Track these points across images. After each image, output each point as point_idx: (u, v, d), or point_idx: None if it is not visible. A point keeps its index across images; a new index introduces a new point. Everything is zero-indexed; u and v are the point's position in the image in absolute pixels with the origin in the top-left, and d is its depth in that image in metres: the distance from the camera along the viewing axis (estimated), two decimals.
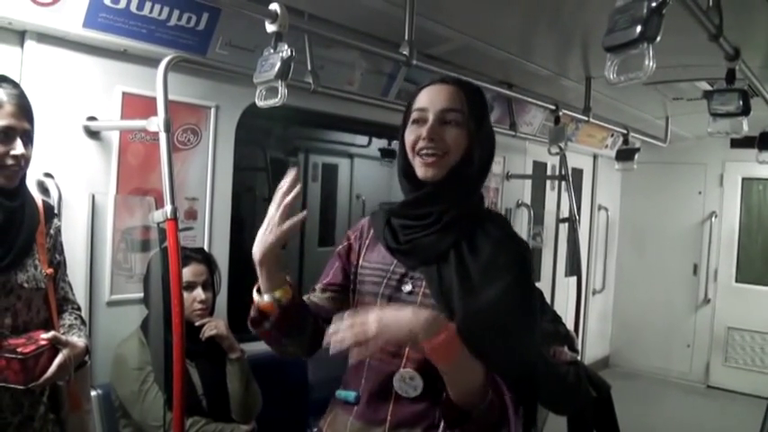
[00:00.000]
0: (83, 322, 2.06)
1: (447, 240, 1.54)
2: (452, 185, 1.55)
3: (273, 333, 1.56)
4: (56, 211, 2.05)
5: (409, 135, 1.58)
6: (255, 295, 1.55)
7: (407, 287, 1.57)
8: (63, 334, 1.86)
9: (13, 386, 1.67)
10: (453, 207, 1.55)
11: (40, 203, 1.95)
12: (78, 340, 1.88)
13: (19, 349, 1.66)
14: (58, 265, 1.99)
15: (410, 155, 1.58)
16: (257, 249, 1.48)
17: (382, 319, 1.31)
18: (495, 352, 1.43)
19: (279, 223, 1.46)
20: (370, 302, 1.58)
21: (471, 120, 1.55)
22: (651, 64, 1.75)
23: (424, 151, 1.53)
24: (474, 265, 1.51)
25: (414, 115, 1.58)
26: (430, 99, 1.57)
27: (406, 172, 1.61)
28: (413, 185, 1.61)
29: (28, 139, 1.75)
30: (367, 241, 1.71)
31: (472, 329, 1.41)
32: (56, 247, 1.98)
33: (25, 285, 1.80)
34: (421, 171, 1.55)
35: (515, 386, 1.47)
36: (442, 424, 1.46)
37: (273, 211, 1.47)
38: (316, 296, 1.72)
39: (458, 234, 1.54)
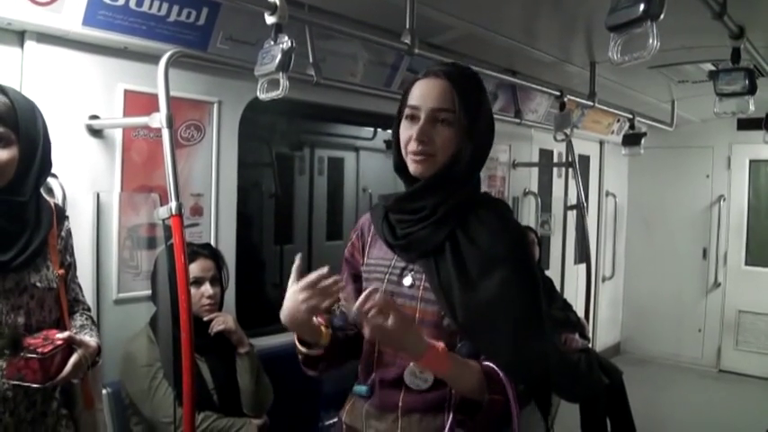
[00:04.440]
0: (93, 323, 2.06)
1: (442, 232, 1.56)
2: (443, 182, 1.58)
3: (333, 367, 1.71)
4: (66, 214, 2.04)
5: (403, 132, 1.60)
6: (299, 345, 1.65)
7: (407, 280, 1.60)
8: (76, 334, 1.87)
9: (30, 385, 1.69)
10: (447, 200, 1.57)
11: (51, 205, 1.95)
12: (91, 340, 1.88)
13: (39, 349, 1.68)
14: (69, 267, 2.00)
15: (403, 152, 1.61)
16: (287, 321, 1.52)
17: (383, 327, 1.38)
18: (501, 346, 1.49)
19: (309, 299, 1.48)
20: None
21: (464, 117, 1.56)
22: (655, 43, 1.74)
23: (415, 152, 1.56)
24: (471, 257, 1.53)
25: (407, 111, 1.60)
26: (422, 96, 1.57)
27: (400, 167, 1.65)
28: (407, 180, 1.64)
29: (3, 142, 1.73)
30: (369, 238, 1.75)
31: (473, 325, 1.49)
32: (66, 249, 1.99)
33: (38, 285, 1.81)
34: (412, 168, 1.59)
35: (527, 378, 1.51)
36: (451, 412, 1.52)
37: (305, 290, 1.48)
38: (342, 306, 1.76)
39: (453, 225, 1.56)
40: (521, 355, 1.49)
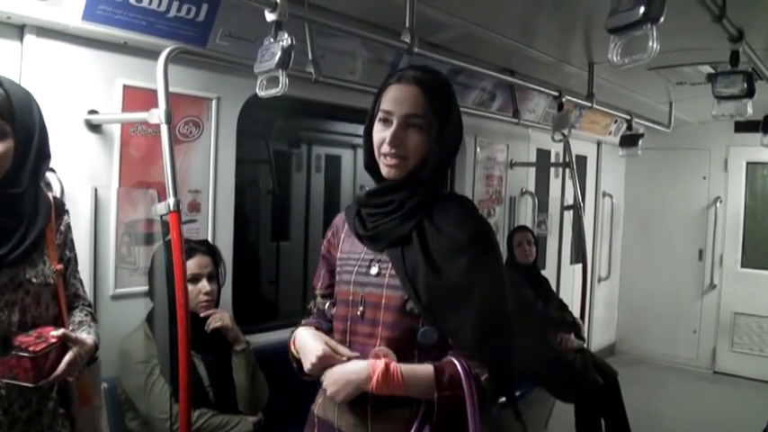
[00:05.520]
0: (93, 319, 2.03)
1: (409, 223, 1.64)
2: (411, 181, 1.67)
3: None
4: (66, 208, 2.03)
5: (376, 134, 1.68)
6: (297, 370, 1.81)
7: (374, 270, 1.68)
8: (72, 331, 1.85)
9: (22, 384, 1.66)
10: (414, 195, 1.66)
11: (50, 199, 1.92)
12: (87, 337, 1.86)
13: (30, 348, 1.64)
14: (68, 262, 1.96)
15: (375, 152, 1.69)
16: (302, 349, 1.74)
17: (331, 380, 1.62)
18: (464, 329, 1.57)
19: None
20: (345, 291, 1.73)
21: (434, 121, 1.65)
22: (655, 45, 1.74)
23: (387, 155, 1.65)
24: (437, 243, 1.62)
25: (380, 115, 1.67)
26: (395, 102, 1.65)
27: (371, 166, 1.74)
28: (378, 178, 1.74)
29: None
30: (342, 235, 1.83)
31: (437, 307, 1.58)
32: (66, 244, 1.95)
33: (34, 281, 1.78)
34: (384, 171, 1.68)
35: (491, 360, 1.59)
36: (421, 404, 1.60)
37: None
38: (319, 303, 1.91)
39: (419, 217, 1.65)
40: (484, 337, 1.57)
